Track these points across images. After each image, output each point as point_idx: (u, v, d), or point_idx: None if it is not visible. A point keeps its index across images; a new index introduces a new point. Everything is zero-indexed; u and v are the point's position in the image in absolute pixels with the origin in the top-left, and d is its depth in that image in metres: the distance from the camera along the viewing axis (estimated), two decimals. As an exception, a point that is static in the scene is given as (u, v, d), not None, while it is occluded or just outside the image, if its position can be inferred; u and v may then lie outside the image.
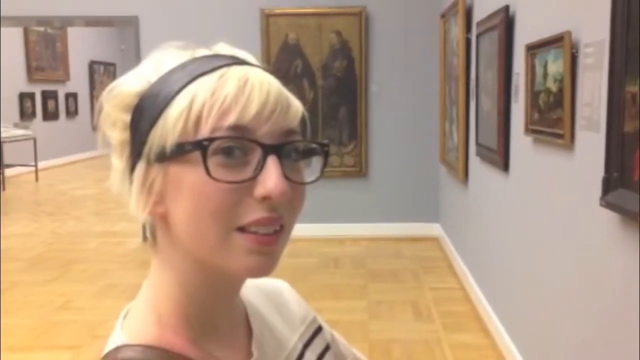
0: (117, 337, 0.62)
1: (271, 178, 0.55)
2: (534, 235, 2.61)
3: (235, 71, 0.58)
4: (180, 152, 0.56)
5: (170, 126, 0.56)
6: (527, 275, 2.72)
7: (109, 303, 3.95)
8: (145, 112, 0.58)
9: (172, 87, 0.57)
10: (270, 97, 0.56)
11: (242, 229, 0.56)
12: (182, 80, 0.58)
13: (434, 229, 5.43)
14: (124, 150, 0.60)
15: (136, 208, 0.59)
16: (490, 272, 3.46)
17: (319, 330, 0.78)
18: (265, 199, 0.55)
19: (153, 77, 0.59)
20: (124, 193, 0.61)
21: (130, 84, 0.59)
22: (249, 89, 0.56)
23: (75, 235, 5.80)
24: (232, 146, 0.55)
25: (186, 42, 0.62)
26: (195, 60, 0.60)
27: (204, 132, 0.55)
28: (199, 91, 0.56)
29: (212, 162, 0.54)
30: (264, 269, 0.58)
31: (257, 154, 0.56)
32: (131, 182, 0.59)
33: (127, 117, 0.59)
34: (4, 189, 8.37)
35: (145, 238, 5.54)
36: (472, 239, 3.98)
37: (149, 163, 0.58)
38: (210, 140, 0.54)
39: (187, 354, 0.60)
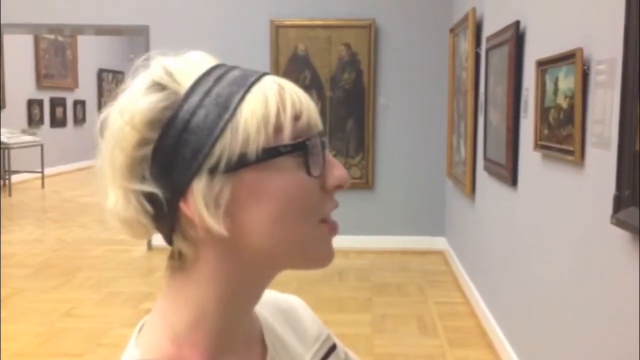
0: (131, 352, 0.61)
1: (339, 168, 0.61)
2: (542, 251, 2.60)
3: (273, 78, 0.60)
4: (271, 155, 0.56)
5: (251, 133, 0.55)
6: (534, 292, 2.70)
7: (113, 311, 3.95)
8: (192, 125, 0.56)
9: (225, 97, 0.57)
10: (309, 98, 0.61)
11: (323, 220, 0.61)
12: (234, 90, 0.57)
13: (440, 243, 5.42)
14: (136, 168, 0.57)
15: (210, 224, 0.56)
16: (497, 288, 3.44)
17: (333, 348, 0.77)
18: (338, 187, 0.61)
19: (178, 89, 0.57)
20: (136, 215, 0.58)
21: (150, 99, 0.57)
22: (299, 92, 0.60)
23: (80, 243, 5.81)
24: (316, 144, 0.59)
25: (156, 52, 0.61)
26: (216, 68, 0.59)
27: (287, 134, 0.57)
28: (268, 98, 0.57)
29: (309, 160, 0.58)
30: (333, 255, 0.63)
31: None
32: (159, 202, 0.57)
33: (153, 134, 0.56)
34: (10, 195, 8.40)
35: (150, 247, 5.58)
36: (479, 253, 3.96)
37: (212, 175, 0.56)
38: (307, 140, 0.58)
39: None
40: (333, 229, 0.62)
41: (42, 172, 9.36)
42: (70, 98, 11.56)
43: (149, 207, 0.57)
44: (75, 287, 4.46)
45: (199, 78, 0.58)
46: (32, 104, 10.32)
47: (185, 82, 0.58)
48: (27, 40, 10.09)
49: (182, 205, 0.57)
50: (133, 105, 0.57)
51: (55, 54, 11.01)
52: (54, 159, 10.26)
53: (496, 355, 3.26)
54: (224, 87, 0.57)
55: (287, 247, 0.59)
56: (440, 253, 5.34)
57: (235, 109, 0.56)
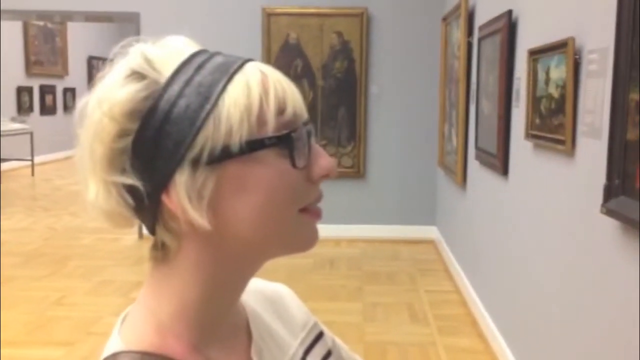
0: (115, 342, 0.60)
1: (324, 157, 0.60)
2: (533, 241, 2.61)
3: (257, 65, 0.58)
4: (255, 148, 0.55)
5: (234, 125, 0.54)
6: (525, 280, 2.72)
7: (103, 300, 3.94)
8: (174, 116, 0.54)
9: (207, 87, 0.55)
10: (293, 86, 0.60)
11: (304, 209, 0.59)
12: (216, 78, 0.56)
13: (431, 232, 5.43)
14: (116, 160, 0.55)
15: (193, 217, 0.55)
16: (487, 277, 3.46)
17: (320, 335, 0.77)
18: (324, 177, 0.60)
19: (158, 78, 0.56)
20: (117, 207, 0.57)
21: (129, 89, 0.55)
22: (282, 81, 0.58)
23: (70, 231, 5.78)
24: (301, 134, 0.58)
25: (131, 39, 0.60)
26: (197, 55, 0.57)
27: (271, 125, 0.56)
28: (251, 88, 0.56)
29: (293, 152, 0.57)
30: (318, 238, 0.62)
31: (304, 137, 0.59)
32: (141, 195, 0.55)
33: (133, 125, 0.55)
34: (-1, 183, 8.35)
35: (141, 235, 5.55)
36: (469, 242, 3.97)
37: (195, 167, 0.54)
38: (292, 131, 0.56)
39: None
40: (315, 215, 0.60)
41: (31, 160, 9.30)
42: (60, 85, 11.48)
43: (130, 200, 0.56)
44: (65, 275, 4.45)
45: (179, 66, 0.56)
46: (21, 91, 10.23)
47: (165, 70, 0.56)
48: (16, 26, 9.98)
49: (164, 197, 0.55)
50: (112, 95, 0.55)
51: (44, 40, 10.90)
52: (43, 146, 10.20)
53: (486, 343, 3.28)
54: (206, 75, 0.56)
55: (269, 238, 0.59)
56: (431, 242, 5.36)
57: (218, 99, 0.55)
